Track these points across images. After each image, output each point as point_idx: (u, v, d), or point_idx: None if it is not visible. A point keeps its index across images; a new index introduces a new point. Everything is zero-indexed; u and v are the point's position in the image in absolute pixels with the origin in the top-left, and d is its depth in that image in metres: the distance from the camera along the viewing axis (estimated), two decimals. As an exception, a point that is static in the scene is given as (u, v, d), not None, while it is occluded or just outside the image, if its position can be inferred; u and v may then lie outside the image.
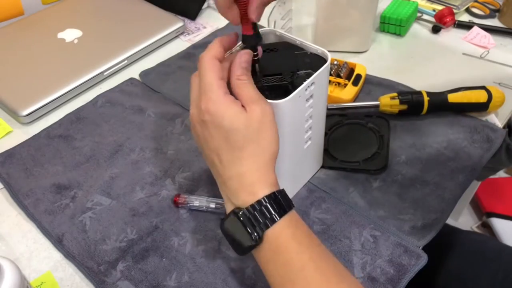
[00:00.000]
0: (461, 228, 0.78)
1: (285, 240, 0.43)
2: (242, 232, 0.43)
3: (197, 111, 0.45)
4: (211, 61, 0.45)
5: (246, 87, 0.45)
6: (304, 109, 0.51)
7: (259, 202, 0.43)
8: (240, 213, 0.43)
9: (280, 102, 0.46)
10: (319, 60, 0.51)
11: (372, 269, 0.53)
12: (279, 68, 0.50)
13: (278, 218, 0.43)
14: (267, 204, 0.43)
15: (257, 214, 0.43)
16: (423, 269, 0.53)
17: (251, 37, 0.48)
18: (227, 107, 0.43)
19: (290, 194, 0.57)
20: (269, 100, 0.45)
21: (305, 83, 0.48)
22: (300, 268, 0.42)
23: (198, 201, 0.58)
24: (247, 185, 0.44)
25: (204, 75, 0.44)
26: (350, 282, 0.43)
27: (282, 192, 0.45)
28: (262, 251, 0.43)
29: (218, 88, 0.44)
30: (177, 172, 0.63)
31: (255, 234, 0.42)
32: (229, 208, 0.45)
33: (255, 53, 0.49)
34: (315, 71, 0.49)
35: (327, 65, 0.50)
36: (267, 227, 0.43)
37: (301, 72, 0.50)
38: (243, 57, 0.46)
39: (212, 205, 0.58)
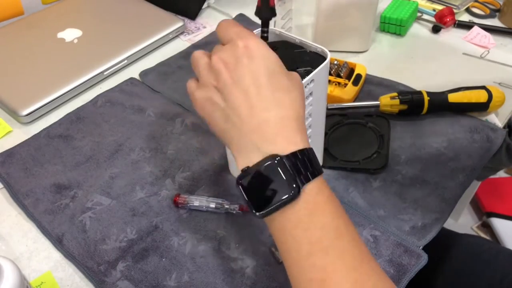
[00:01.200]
0: (457, 232, 0.78)
1: (324, 199, 0.38)
2: (278, 181, 0.37)
3: (233, 53, 0.40)
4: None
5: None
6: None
7: (302, 152, 0.38)
8: (278, 159, 0.37)
9: None
10: (318, 58, 0.51)
11: (372, 269, 0.52)
12: None
13: (318, 174, 0.38)
14: (309, 156, 0.38)
15: (299, 164, 0.37)
16: (423, 269, 0.53)
17: (273, 9, 0.47)
18: (269, 49, 0.40)
19: None
20: None
21: (304, 80, 0.48)
22: (337, 235, 0.37)
23: (198, 201, 0.58)
24: (287, 130, 0.39)
25: (240, 29, 0.41)
26: (375, 263, 0.39)
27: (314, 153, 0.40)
28: (293, 211, 0.37)
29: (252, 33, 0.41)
30: (177, 172, 0.63)
31: (294, 185, 0.37)
32: (255, 158, 0.38)
33: (265, 29, 0.49)
34: (315, 68, 0.49)
35: (326, 62, 0.50)
36: (308, 180, 0.38)
37: (300, 69, 0.50)
38: None
39: (212, 205, 0.58)
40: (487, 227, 1.35)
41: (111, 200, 0.60)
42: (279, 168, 0.37)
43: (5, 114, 0.74)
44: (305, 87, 0.48)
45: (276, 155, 0.37)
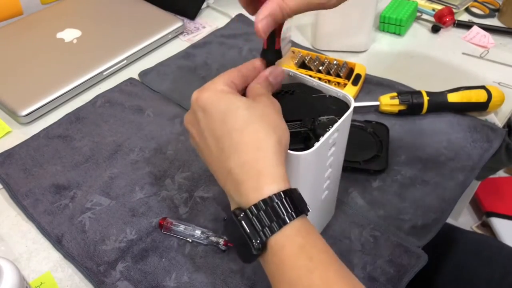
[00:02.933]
0: (459, 227, 0.78)
1: (291, 252, 0.35)
2: (243, 237, 0.36)
3: (192, 110, 0.42)
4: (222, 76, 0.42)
5: (259, 89, 0.42)
6: (326, 158, 0.46)
7: (264, 200, 0.35)
8: (241, 215, 0.36)
9: (305, 154, 0.41)
10: (340, 104, 0.47)
11: (372, 269, 0.52)
12: (298, 113, 0.45)
13: (287, 222, 0.35)
14: (274, 204, 0.35)
15: (261, 216, 0.35)
16: (423, 269, 0.53)
17: (279, 52, 0.45)
18: (226, 93, 0.39)
19: None
20: (291, 152, 0.40)
21: (330, 132, 0.43)
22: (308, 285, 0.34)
23: (183, 228, 0.56)
24: (250, 177, 0.36)
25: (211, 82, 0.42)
26: None
27: (293, 192, 0.37)
28: (266, 263, 0.36)
29: (219, 79, 0.41)
30: (177, 172, 0.63)
31: (258, 241, 0.35)
32: (232, 206, 0.39)
33: None
34: (337, 116, 0.45)
35: (350, 111, 0.45)
36: (272, 232, 0.35)
37: (322, 118, 0.45)
38: (275, 71, 0.43)
39: (197, 235, 0.55)
40: (486, 226, 1.35)
41: (110, 200, 0.60)
42: (242, 223, 0.36)
43: (4, 114, 0.74)
44: (329, 138, 0.44)
45: (239, 209, 0.37)
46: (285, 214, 0.35)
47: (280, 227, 0.35)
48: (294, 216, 0.36)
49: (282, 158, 0.38)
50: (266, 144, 0.37)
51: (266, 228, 0.35)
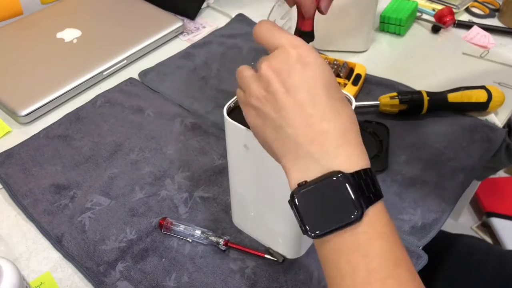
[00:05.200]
0: (453, 233, 0.78)
1: (383, 224, 0.35)
2: (342, 202, 0.33)
3: (284, 58, 0.37)
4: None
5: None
6: None
7: (365, 171, 0.34)
8: (343, 176, 0.33)
9: None
10: None
11: (372, 269, 0.52)
12: None
13: (382, 196, 0.35)
14: (372, 176, 0.35)
15: (363, 184, 0.34)
16: (422, 269, 0.53)
17: (311, 34, 0.44)
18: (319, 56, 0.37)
19: (303, 250, 0.55)
20: None
21: None
22: (396, 265, 0.34)
23: (183, 228, 0.56)
24: (349, 145, 0.35)
25: (275, 33, 0.38)
26: None
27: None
28: (352, 234, 0.34)
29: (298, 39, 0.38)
30: (177, 172, 0.63)
31: (358, 207, 0.33)
32: (313, 171, 0.35)
33: None
34: None
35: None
36: (371, 202, 0.34)
37: None
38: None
39: (197, 235, 0.55)
40: (487, 227, 1.35)
41: (110, 200, 0.60)
42: (344, 186, 0.33)
43: (4, 114, 0.74)
44: None
45: (340, 172, 0.34)
46: (378, 188, 0.35)
47: (378, 198, 0.35)
48: (382, 195, 0.35)
49: None
50: (358, 127, 0.37)
51: (365, 197, 0.34)
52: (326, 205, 0.34)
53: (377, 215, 0.34)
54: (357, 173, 0.34)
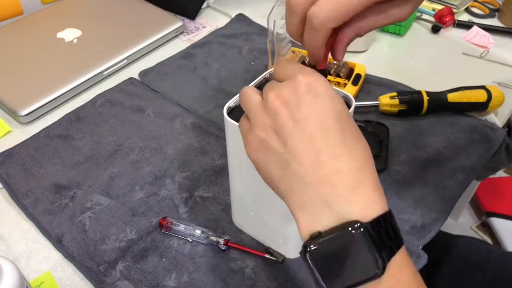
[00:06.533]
0: (453, 233, 0.78)
1: (408, 275, 0.32)
2: (362, 255, 0.30)
3: (283, 89, 0.34)
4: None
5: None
6: None
7: (384, 217, 0.31)
8: (361, 228, 0.30)
9: None
10: None
11: (372, 268, 0.52)
12: None
13: (403, 242, 0.32)
14: (392, 222, 0.32)
15: (383, 234, 0.31)
16: (421, 270, 0.53)
17: (324, 72, 0.43)
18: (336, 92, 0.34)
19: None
20: None
21: None
22: None
23: (183, 228, 0.56)
24: (365, 186, 0.32)
25: (287, 66, 0.36)
26: None
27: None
28: (377, 285, 0.31)
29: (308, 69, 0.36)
30: (177, 172, 0.63)
31: (380, 261, 0.30)
32: (327, 220, 0.31)
33: None
34: None
35: (351, 110, 0.44)
36: (393, 253, 0.31)
37: None
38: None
39: (197, 235, 0.55)
40: (486, 226, 1.35)
41: (110, 200, 0.60)
42: (363, 239, 0.30)
43: (5, 114, 0.74)
44: None
45: (357, 222, 0.30)
46: (398, 235, 0.32)
47: (399, 247, 0.32)
48: (403, 240, 0.33)
49: None
50: (373, 163, 0.34)
51: (387, 248, 0.31)
52: (343, 259, 0.31)
53: (401, 266, 0.32)
54: (376, 220, 0.31)
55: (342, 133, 0.33)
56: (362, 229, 0.30)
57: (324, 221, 0.31)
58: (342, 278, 0.31)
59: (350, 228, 0.30)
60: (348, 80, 0.73)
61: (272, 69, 0.45)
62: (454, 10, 0.89)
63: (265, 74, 0.49)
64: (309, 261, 0.31)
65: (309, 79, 0.34)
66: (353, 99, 0.45)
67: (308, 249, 0.31)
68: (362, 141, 0.34)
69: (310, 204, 0.32)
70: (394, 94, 0.69)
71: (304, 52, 0.78)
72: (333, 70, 0.74)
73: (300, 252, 0.32)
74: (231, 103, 0.46)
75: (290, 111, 0.33)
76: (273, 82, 0.36)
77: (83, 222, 0.58)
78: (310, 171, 0.32)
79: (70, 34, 0.83)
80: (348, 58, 0.78)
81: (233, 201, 0.55)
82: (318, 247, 0.31)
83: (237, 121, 0.44)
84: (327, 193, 0.32)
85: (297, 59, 0.76)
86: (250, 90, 0.37)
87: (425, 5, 0.93)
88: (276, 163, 0.34)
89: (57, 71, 0.77)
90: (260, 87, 0.48)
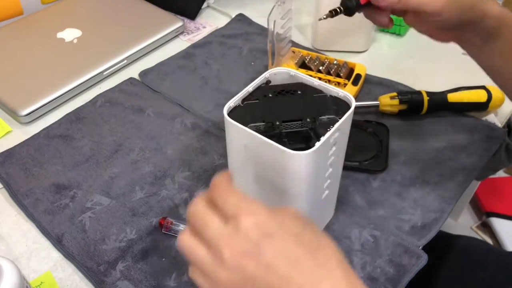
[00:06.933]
0: (453, 233, 0.78)
1: None
2: None
3: (235, 241, 0.33)
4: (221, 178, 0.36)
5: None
6: (327, 158, 0.46)
7: None
8: None
9: (306, 153, 0.40)
10: (341, 104, 0.47)
11: (372, 269, 0.53)
12: (298, 113, 0.45)
13: None
14: None
15: None
16: (421, 270, 0.53)
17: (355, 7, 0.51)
18: (284, 211, 0.35)
19: None
20: (292, 151, 0.40)
21: (331, 131, 0.43)
22: None
23: (183, 226, 0.55)
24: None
25: (222, 194, 0.35)
26: None
27: None
28: None
29: (249, 201, 0.34)
30: (177, 172, 0.63)
31: None
32: None
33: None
34: (338, 116, 0.45)
35: (351, 111, 0.45)
36: None
37: (323, 117, 0.45)
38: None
39: None
40: (486, 227, 1.35)
41: (110, 200, 0.60)
42: None
43: (5, 114, 0.74)
44: (330, 138, 0.43)
45: None
46: None
47: None
48: None
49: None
50: (343, 260, 0.34)
51: None
52: None
53: None
54: None
55: (311, 253, 0.33)
56: None
57: None
58: None
59: None
60: (348, 80, 0.73)
61: (272, 69, 0.46)
62: (454, 10, 0.89)
63: (265, 74, 0.49)
64: None
65: (252, 220, 0.33)
66: (353, 99, 0.45)
67: None
68: (327, 245, 0.34)
69: None
70: (394, 94, 0.69)
71: (304, 52, 0.78)
72: (333, 70, 0.74)
73: None
74: (231, 103, 0.46)
75: (255, 260, 0.32)
76: (214, 229, 0.34)
77: (83, 222, 0.58)
78: None
79: (70, 34, 0.83)
80: (348, 58, 0.78)
81: None
82: None
83: (238, 121, 0.44)
84: None
85: (296, 60, 0.76)
86: (189, 242, 0.35)
87: (425, 5, 0.93)
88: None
89: (57, 71, 0.77)
90: (260, 87, 0.49)
